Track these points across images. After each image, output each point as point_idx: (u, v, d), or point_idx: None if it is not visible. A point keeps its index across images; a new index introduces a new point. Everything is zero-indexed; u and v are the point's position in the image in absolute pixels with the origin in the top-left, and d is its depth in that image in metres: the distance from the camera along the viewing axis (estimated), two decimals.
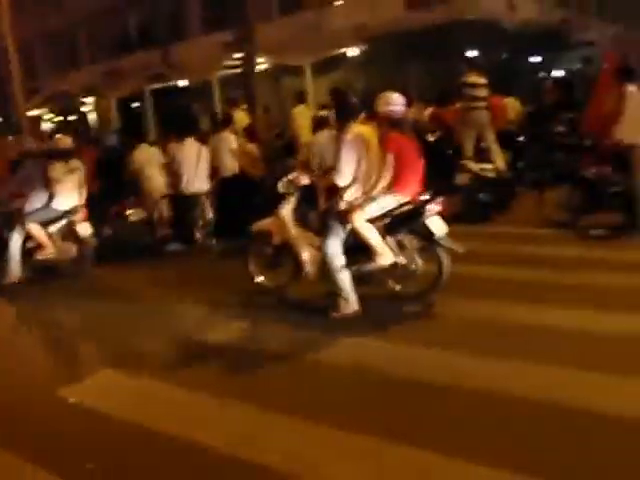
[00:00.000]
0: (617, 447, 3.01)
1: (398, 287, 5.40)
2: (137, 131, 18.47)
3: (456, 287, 5.23)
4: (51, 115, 28.02)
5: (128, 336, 5.33)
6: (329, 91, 7.69)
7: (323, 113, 8.47)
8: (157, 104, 24.38)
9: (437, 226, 5.12)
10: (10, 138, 14.86)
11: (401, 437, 3.23)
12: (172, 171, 8.53)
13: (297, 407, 3.72)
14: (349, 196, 5.15)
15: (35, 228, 7.18)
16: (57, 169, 7.34)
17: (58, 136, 8.14)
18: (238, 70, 19.34)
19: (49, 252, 7.26)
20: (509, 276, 5.89)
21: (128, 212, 8.25)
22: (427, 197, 5.25)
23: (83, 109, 27.71)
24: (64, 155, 7.44)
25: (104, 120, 26.44)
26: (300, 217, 5.74)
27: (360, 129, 5.19)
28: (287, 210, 5.68)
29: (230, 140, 8.75)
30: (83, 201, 7.57)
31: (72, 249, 7.44)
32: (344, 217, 5.08)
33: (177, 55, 22.52)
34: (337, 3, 19.78)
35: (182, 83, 22.32)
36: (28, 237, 7.23)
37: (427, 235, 5.13)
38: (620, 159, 7.11)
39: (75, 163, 7.56)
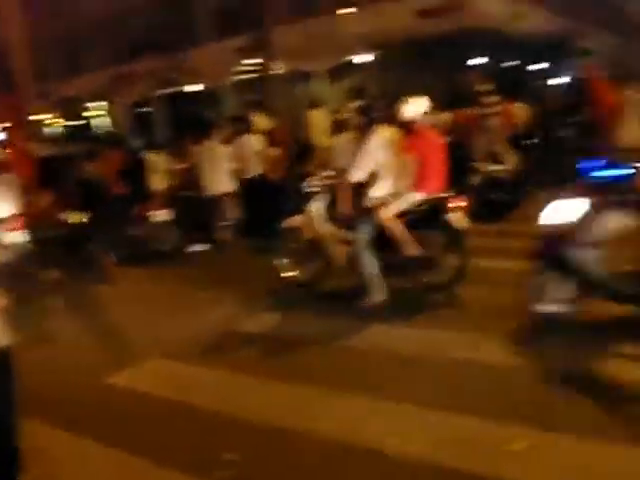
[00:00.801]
0: None
1: (425, 279, 5.69)
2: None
3: (477, 278, 5.59)
4: (56, 119, 28.16)
5: (171, 329, 5.63)
6: (355, 95, 8.04)
7: (344, 116, 8.80)
8: (168, 109, 24.73)
9: (459, 221, 5.48)
10: None
11: (440, 406, 3.60)
12: (191, 173, 8.88)
13: (332, 383, 4.08)
14: (375, 194, 5.51)
15: None
16: None
17: None
18: (251, 75, 19.83)
19: None
20: (522, 268, 6.22)
21: (151, 214, 8.52)
22: (449, 194, 5.59)
23: (91, 113, 28.04)
24: None
25: (117, 125, 26.81)
26: (329, 214, 6.07)
27: (384, 132, 5.57)
28: (317, 207, 6.03)
29: (254, 143, 9.10)
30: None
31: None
32: (372, 213, 5.44)
33: (189, 60, 22.90)
34: (349, 10, 20.17)
35: (194, 88, 22.68)
36: None
37: (450, 230, 5.47)
38: None
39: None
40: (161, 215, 8.54)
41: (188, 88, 23.06)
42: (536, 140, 10.36)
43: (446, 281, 5.62)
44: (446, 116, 11.03)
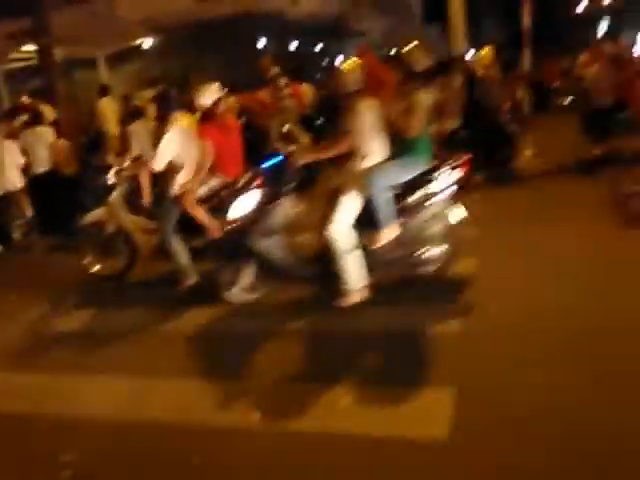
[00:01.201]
0: None
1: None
2: None
3: None
4: None
5: None
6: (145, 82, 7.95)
7: (137, 103, 8.68)
8: None
9: None
10: None
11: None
12: None
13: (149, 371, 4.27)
14: (177, 181, 5.63)
15: None
16: None
17: None
18: (29, 63, 18.48)
19: None
20: None
21: None
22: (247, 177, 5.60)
23: None
24: None
25: None
26: (131, 204, 6.07)
27: (182, 120, 5.70)
28: (118, 198, 6.01)
29: (47, 135, 8.68)
30: None
31: None
32: (175, 200, 5.56)
33: None
34: None
35: None
36: None
37: None
38: None
39: None
40: None
41: None
42: (323, 120, 11.03)
43: None
44: (233, 100, 11.34)
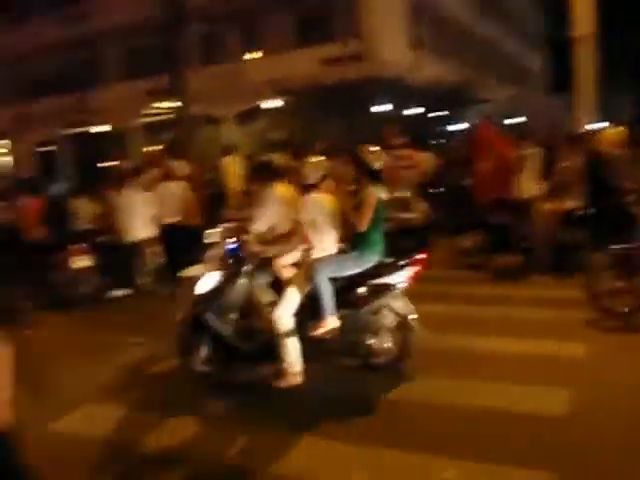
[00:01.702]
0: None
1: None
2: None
3: None
4: None
5: (97, 373, 5.78)
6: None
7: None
8: (74, 150, 24.33)
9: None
10: None
11: None
12: (110, 218, 8.94)
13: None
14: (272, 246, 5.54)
15: None
16: None
17: None
18: (161, 118, 19.95)
19: None
20: (434, 311, 6.77)
21: (73, 260, 8.53)
22: None
23: None
24: None
25: (20, 165, 26.02)
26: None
27: (281, 189, 5.65)
28: (213, 257, 5.90)
29: (178, 188, 9.27)
30: None
31: None
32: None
33: (96, 101, 22.72)
34: (255, 56, 20.81)
35: (101, 129, 22.51)
36: None
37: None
38: (520, 210, 8.47)
39: None
40: (82, 260, 8.56)
41: (95, 129, 22.83)
42: (441, 189, 11.13)
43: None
44: (344, 170, 11.64)
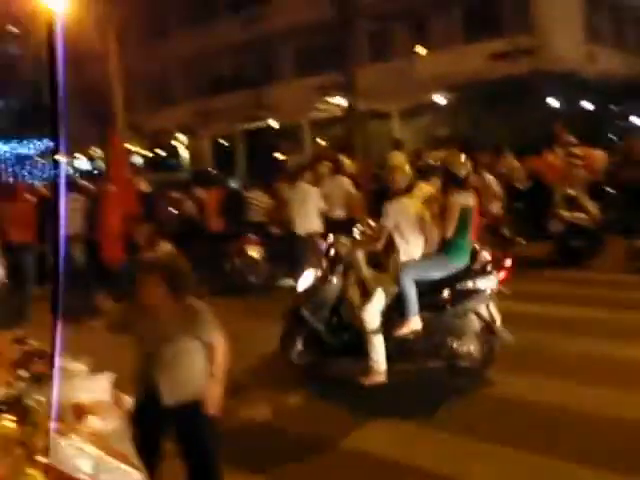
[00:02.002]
0: None
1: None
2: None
3: (556, 325, 5.97)
4: (139, 149, 29.51)
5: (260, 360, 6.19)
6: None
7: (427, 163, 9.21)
8: (249, 144, 25.77)
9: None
10: None
11: None
12: (282, 211, 9.45)
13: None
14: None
15: None
16: None
17: None
18: (331, 114, 20.59)
19: None
20: (600, 316, 6.52)
21: (248, 248, 9.17)
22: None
23: (177, 145, 29.38)
24: None
25: (197, 158, 28.04)
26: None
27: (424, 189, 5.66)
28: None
29: (345, 184, 9.58)
30: None
31: None
32: None
33: (269, 97, 23.89)
34: (423, 52, 20.81)
35: (274, 124, 23.62)
36: None
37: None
38: None
39: None
40: (254, 250, 9.16)
41: (266, 124, 24.01)
42: (614, 188, 10.54)
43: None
44: (515, 163, 11.35)
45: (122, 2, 19.60)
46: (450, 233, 5.15)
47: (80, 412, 3.01)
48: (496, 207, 9.36)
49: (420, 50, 21.11)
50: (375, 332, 5.13)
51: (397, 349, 5.17)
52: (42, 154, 33.16)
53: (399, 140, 14.26)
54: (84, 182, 12.07)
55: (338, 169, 9.97)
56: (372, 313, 5.17)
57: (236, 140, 26.14)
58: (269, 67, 25.47)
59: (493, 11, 19.87)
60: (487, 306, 5.17)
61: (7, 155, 35.09)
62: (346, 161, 10.81)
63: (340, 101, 19.41)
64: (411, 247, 5.33)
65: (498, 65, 19.01)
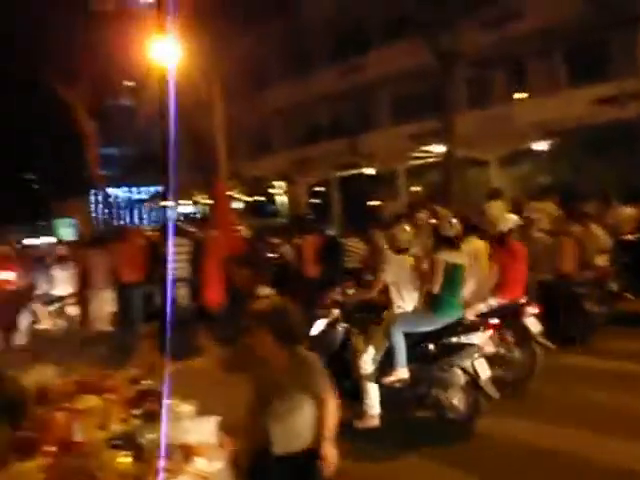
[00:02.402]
0: None
1: (499, 372, 5.88)
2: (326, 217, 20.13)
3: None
4: (240, 195, 30.50)
5: None
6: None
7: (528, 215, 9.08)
8: (344, 191, 26.11)
9: (534, 325, 6.26)
10: None
11: None
12: (377, 259, 9.46)
13: None
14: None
15: None
16: None
17: None
18: (426, 161, 20.64)
19: None
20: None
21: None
22: (526, 301, 6.42)
23: (274, 192, 30.18)
24: None
25: (294, 204, 28.68)
26: None
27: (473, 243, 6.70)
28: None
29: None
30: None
31: None
32: None
33: (365, 145, 24.22)
34: (523, 97, 20.55)
35: (369, 171, 23.88)
36: None
37: (525, 332, 6.28)
38: None
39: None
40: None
41: (362, 171, 24.29)
42: None
43: (517, 377, 6.21)
44: (630, 211, 10.87)
45: (226, 57, 20.61)
46: (436, 289, 5.56)
47: (187, 453, 3.14)
48: (603, 260, 8.98)
49: (520, 96, 20.86)
50: (368, 379, 5.58)
51: (388, 397, 5.59)
52: (152, 199, 34.99)
53: (497, 189, 13.99)
54: (189, 227, 12.62)
55: (434, 217, 9.94)
56: (367, 361, 5.63)
57: (332, 187, 26.54)
58: (365, 115, 25.86)
59: (597, 54, 19.36)
60: (472, 361, 5.37)
61: (119, 200, 37.26)
62: (442, 210, 10.76)
63: (436, 148, 19.40)
64: (406, 301, 5.84)
65: (603, 110, 18.40)
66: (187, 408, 3.57)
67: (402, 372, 5.46)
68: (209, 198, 21.60)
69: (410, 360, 5.47)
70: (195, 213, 32.31)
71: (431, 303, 5.65)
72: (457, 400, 5.45)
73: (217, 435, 3.38)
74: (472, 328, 5.49)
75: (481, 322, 5.61)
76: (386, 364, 5.57)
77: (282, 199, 29.96)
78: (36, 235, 33.89)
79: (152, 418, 3.26)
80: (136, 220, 37.92)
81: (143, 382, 3.63)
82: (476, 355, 5.36)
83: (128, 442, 3.07)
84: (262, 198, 30.90)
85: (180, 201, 31.98)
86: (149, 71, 17.95)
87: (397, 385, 5.51)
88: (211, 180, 17.12)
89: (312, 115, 28.34)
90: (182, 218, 29.73)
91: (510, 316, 6.13)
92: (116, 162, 38.03)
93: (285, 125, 29.98)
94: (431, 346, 5.54)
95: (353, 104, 26.23)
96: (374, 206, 24.06)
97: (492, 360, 5.67)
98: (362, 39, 24.32)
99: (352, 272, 9.83)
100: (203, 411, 3.60)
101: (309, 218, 19.57)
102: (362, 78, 23.97)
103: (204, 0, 17.85)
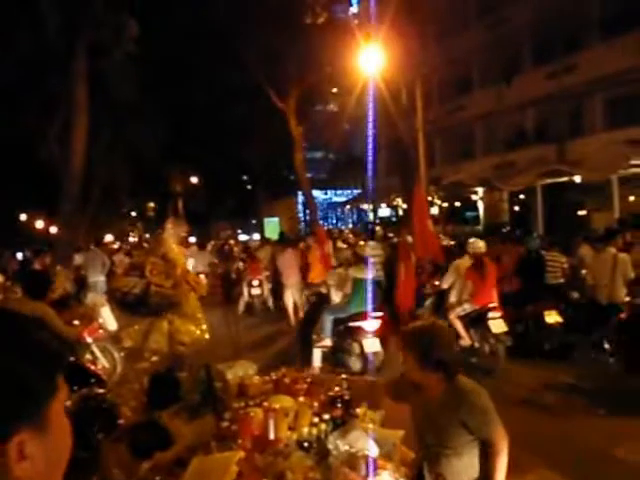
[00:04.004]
0: None
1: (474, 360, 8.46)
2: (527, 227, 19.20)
3: None
4: (439, 201, 30.17)
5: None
6: None
7: None
8: (547, 200, 24.73)
9: (497, 326, 8.23)
10: None
11: None
12: (582, 275, 8.84)
13: None
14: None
15: None
16: None
17: None
18: None
19: None
20: None
21: (546, 314, 8.67)
22: (493, 306, 8.39)
23: (474, 198, 29.47)
24: None
25: (494, 212, 27.78)
26: None
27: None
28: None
29: None
30: None
31: None
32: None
33: (574, 151, 22.73)
34: None
35: (576, 180, 22.37)
36: None
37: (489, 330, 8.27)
38: None
39: None
40: (551, 316, 8.66)
41: (568, 179, 22.82)
42: None
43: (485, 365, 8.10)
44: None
45: (428, 62, 20.53)
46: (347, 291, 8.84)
47: (372, 465, 3.17)
48: None
49: None
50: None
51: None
52: (351, 202, 36.07)
53: None
54: (385, 232, 12.83)
55: None
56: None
57: (535, 195, 25.22)
58: (574, 120, 24.25)
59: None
60: (366, 339, 8.20)
61: (321, 202, 39.06)
62: None
63: None
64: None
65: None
66: (374, 418, 3.61)
67: (327, 341, 8.58)
68: (406, 202, 21.72)
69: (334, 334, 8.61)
70: (392, 217, 32.72)
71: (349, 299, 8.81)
72: (356, 360, 8.38)
73: (400, 449, 3.38)
74: (366, 317, 8.26)
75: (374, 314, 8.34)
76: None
77: (481, 206, 29.16)
78: (247, 232, 36.64)
79: (340, 425, 3.34)
80: (335, 222, 39.36)
81: (336, 388, 3.73)
82: (367, 336, 8.19)
83: (316, 446, 3.17)
84: (460, 204, 30.36)
85: (380, 204, 32.56)
86: (354, 77, 18.51)
87: (325, 348, 8.57)
88: (409, 184, 17.18)
89: (517, 119, 27.23)
90: (378, 221, 30.31)
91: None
92: (320, 165, 39.75)
93: (488, 129, 29.16)
94: (340, 326, 8.60)
95: (561, 108, 24.71)
96: (581, 217, 22.51)
97: (467, 350, 8.41)
98: (571, 38, 22.89)
99: (554, 288, 9.28)
100: (388, 423, 3.63)
101: (504, 228, 18.84)
102: (571, 80, 22.51)
103: (405, 8, 17.93)
